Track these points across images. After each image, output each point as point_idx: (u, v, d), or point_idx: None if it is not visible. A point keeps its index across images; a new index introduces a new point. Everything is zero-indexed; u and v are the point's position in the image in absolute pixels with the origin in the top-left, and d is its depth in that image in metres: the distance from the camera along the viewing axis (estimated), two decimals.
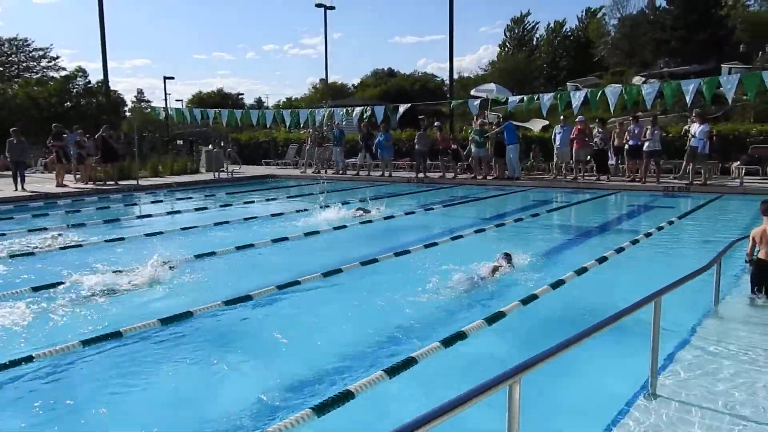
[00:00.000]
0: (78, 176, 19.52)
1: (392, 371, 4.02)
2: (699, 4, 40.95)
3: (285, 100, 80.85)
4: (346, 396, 3.58)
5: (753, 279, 5.98)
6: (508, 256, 7.44)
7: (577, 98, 17.05)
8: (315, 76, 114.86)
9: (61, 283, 6.87)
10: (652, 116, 17.47)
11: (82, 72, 46.88)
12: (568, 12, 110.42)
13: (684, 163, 16.67)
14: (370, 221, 11.50)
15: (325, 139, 23.27)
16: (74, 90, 45.95)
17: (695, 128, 15.53)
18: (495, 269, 7.18)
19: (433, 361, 4.40)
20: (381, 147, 20.93)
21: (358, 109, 21.43)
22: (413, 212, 13.03)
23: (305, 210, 13.26)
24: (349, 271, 7.40)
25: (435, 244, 9.09)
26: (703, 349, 4.65)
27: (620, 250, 8.31)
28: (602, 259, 7.67)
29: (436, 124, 21.41)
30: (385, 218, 11.93)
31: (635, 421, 3.56)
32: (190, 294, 6.56)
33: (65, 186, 18.13)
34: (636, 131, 16.57)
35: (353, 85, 75.36)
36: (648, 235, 9.56)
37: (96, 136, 19.44)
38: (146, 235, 10.25)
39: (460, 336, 4.79)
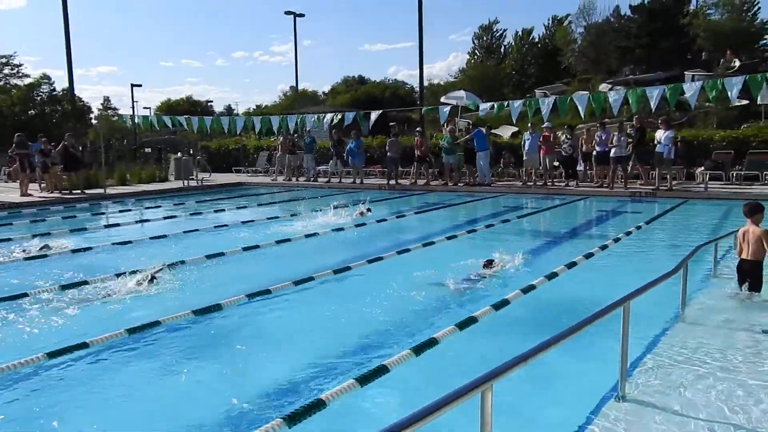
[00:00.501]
0: (43, 185, 19.12)
1: (364, 379, 4.00)
2: (662, 13, 41.97)
3: (255, 107, 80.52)
4: (318, 405, 3.55)
5: (737, 276, 6.27)
6: (490, 262, 7.77)
7: (546, 105, 17.33)
8: (285, 83, 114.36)
9: (25, 295, 6.70)
10: (618, 122, 17.79)
11: (46, 79, 46.12)
12: (535, 20, 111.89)
13: (650, 169, 17.01)
14: (342, 228, 11.47)
15: (297, 147, 23.20)
16: (39, 98, 45.08)
17: (660, 134, 15.85)
18: (488, 264, 7.69)
19: (405, 368, 4.39)
20: (352, 154, 20.92)
21: (329, 116, 21.41)
22: (385, 219, 13.02)
23: (276, 217, 13.21)
24: (320, 279, 7.35)
25: (408, 250, 9.11)
26: (671, 352, 4.72)
27: (589, 255, 8.41)
28: (572, 264, 7.76)
29: (417, 129, 21.44)
30: (357, 225, 11.93)
31: (605, 423, 3.60)
32: (159, 304, 6.46)
33: (30, 195, 17.74)
34: (603, 137, 16.85)
35: (324, 92, 75.40)
36: (617, 240, 9.71)
37: (58, 147, 19.10)
38: (113, 244, 10.07)
39: (432, 342, 4.79)
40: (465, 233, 10.88)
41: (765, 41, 45.66)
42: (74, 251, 9.53)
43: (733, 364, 4.47)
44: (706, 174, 16.90)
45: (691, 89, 15.23)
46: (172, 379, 4.66)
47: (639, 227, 11.01)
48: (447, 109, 20.52)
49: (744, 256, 6.13)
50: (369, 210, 13.26)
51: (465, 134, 19.12)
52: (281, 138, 23.16)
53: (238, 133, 24.95)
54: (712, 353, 4.68)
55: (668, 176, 16.28)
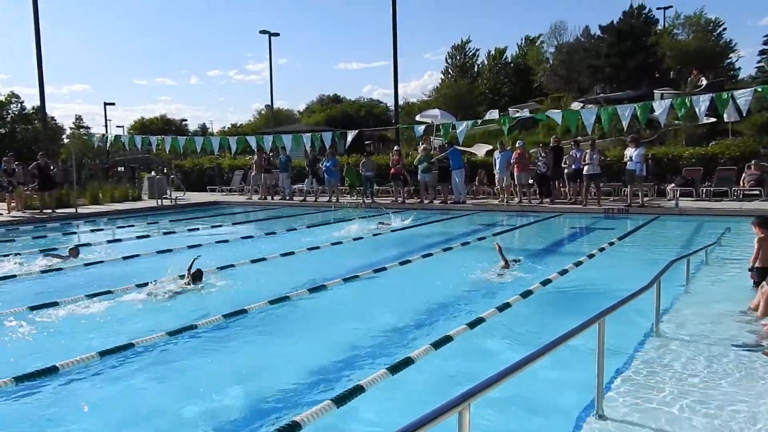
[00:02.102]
0: (12, 205, 18.75)
1: (340, 400, 3.95)
2: (630, 33, 42.94)
3: (230, 126, 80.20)
4: (293, 427, 3.50)
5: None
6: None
7: (521, 119, 17.39)
8: (260, 101, 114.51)
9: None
10: (590, 140, 18.08)
11: (15, 97, 45.35)
12: (508, 40, 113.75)
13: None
14: (317, 247, 11.40)
15: (272, 165, 23.11)
16: (8, 116, 44.33)
17: (631, 152, 16.13)
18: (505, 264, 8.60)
19: (381, 387, 4.35)
20: (328, 172, 20.92)
21: (306, 136, 21.38)
22: (361, 237, 12.97)
23: (251, 237, 13.12)
24: (295, 298, 7.29)
25: (384, 269, 9.08)
26: (646, 368, 4.74)
27: (563, 272, 8.47)
28: (546, 282, 7.79)
29: (395, 148, 21.54)
30: (333, 244, 11.88)
31: None
32: (131, 324, 6.34)
33: None
34: (577, 156, 17.09)
35: (299, 110, 75.48)
36: (591, 256, 9.80)
37: (30, 165, 18.80)
38: (85, 265, 9.88)
39: (407, 362, 4.76)
40: (441, 251, 10.89)
41: (730, 60, 47.04)
42: (44, 272, 9.34)
43: (711, 379, 4.50)
44: (677, 190, 17.20)
45: (660, 107, 15.52)
46: (139, 401, 4.57)
47: (612, 243, 11.14)
48: (422, 127, 20.66)
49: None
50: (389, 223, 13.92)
51: (439, 152, 19.24)
52: (255, 157, 23.09)
53: (214, 152, 24.78)
54: (689, 368, 4.71)
55: (640, 193, 16.53)
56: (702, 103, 14.58)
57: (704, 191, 17.59)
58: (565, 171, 17.60)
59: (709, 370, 4.68)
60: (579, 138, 18.95)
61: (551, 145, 18.01)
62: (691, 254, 7.92)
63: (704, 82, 29.98)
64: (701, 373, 4.61)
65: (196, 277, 7.98)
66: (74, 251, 10.31)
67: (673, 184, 17.89)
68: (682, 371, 4.66)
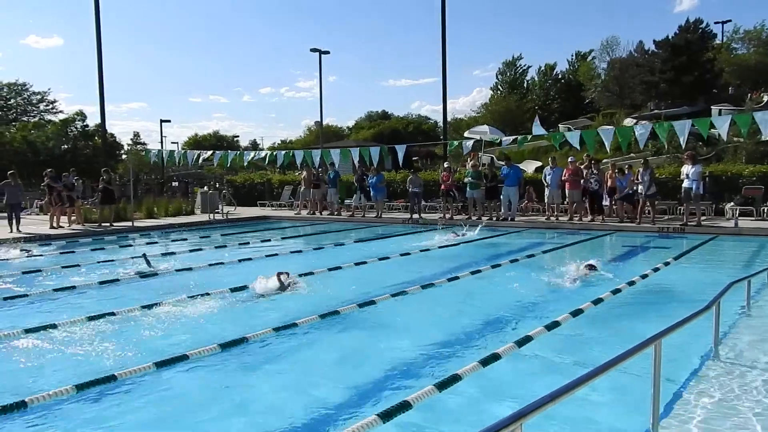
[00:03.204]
0: (73, 218, 19.48)
1: (386, 415, 3.93)
2: (686, 47, 41.94)
3: (280, 142, 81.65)
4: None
5: None
6: (592, 267, 9.58)
7: (571, 139, 17.05)
8: (310, 118, 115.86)
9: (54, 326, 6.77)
10: (643, 158, 17.66)
11: (81, 115, 47.26)
12: (558, 56, 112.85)
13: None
14: (365, 262, 11.45)
15: (322, 180, 23.38)
16: (71, 133, 46.24)
17: (688, 169, 15.69)
18: (590, 267, 9.44)
19: (428, 404, 4.32)
20: (374, 188, 21.06)
21: (355, 150, 21.57)
22: (408, 253, 12.96)
23: (299, 251, 13.31)
24: (347, 313, 7.34)
25: (431, 284, 9.06)
26: (704, 393, 4.58)
27: (616, 291, 8.27)
28: (597, 301, 7.62)
29: (445, 164, 21.59)
30: (380, 259, 11.93)
31: None
32: (184, 334, 6.49)
33: (60, 227, 18.14)
34: (624, 184, 16.93)
35: (348, 127, 76.32)
36: (644, 276, 9.54)
37: (99, 181, 19.67)
38: (141, 276, 10.19)
39: (455, 378, 4.71)
40: (489, 268, 10.79)
41: None
42: (101, 283, 9.67)
43: None
44: (736, 209, 16.62)
45: (721, 122, 15.05)
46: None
47: (667, 263, 10.82)
48: (470, 143, 20.60)
49: None
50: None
51: (488, 169, 19.16)
52: (304, 173, 23.43)
53: (265, 164, 25.24)
54: (749, 395, 4.53)
55: (697, 212, 16.04)
56: (766, 119, 14.07)
57: (765, 211, 16.94)
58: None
59: None
60: (632, 154, 18.54)
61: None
62: (752, 276, 7.63)
63: (766, 98, 29.02)
64: (762, 401, 4.42)
65: (286, 283, 8.81)
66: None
67: (732, 203, 17.29)
68: (742, 397, 4.48)
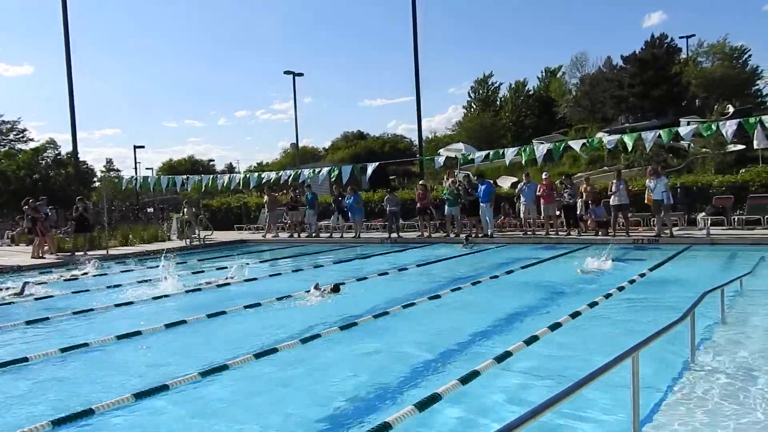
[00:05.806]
0: (46, 248, 19.14)
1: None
2: (653, 62, 42.89)
3: (256, 164, 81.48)
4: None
5: None
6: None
7: (540, 152, 17.13)
8: (287, 140, 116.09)
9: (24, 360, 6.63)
10: (616, 170, 17.96)
11: (52, 144, 46.74)
12: (528, 72, 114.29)
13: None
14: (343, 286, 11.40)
15: (299, 202, 23.35)
16: (43, 162, 45.64)
17: (653, 183, 15.96)
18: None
19: (408, 425, 4.31)
20: (351, 209, 21.05)
21: (325, 170, 21.58)
22: (386, 272, 12.95)
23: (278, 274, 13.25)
24: (327, 336, 7.28)
25: (413, 304, 9.05)
26: (683, 402, 4.62)
27: (593, 304, 8.34)
28: (575, 314, 7.67)
29: (421, 182, 21.72)
30: (358, 279, 11.91)
31: None
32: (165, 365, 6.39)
33: (42, 258, 17.85)
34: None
35: (324, 148, 76.42)
36: (621, 288, 9.62)
37: (74, 209, 19.35)
38: (116, 305, 10.03)
39: (434, 398, 4.69)
40: (469, 285, 10.81)
41: (757, 87, 46.62)
42: (75, 312, 9.49)
43: (750, 411, 4.37)
44: (708, 219, 16.92)
45: (686, 133, 15.40)
46: None
47: (643, 275, 10.95)
48: (442, 159, 20.76)
49: None
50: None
51: (466, 182, 19.28)
52: (266, 197, 23.48)
53: (240, 188, 25.13)
54: (727, 401, 4.58)
55: (668, 222, 16.30)
56: (729, 127, 14.43)
57: (736, 220, 17.28)
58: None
59: (747, 402, 4.55)
60: (604, 168, 18.84)
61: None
62: (726, 285, 7.74)
63: (731, 109, 29.74)
64: (740, 406, 4.47)
65: (335, 290, 10.07)
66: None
67: (703, 213, 17.61)
68: (721, 404, 4.53)
